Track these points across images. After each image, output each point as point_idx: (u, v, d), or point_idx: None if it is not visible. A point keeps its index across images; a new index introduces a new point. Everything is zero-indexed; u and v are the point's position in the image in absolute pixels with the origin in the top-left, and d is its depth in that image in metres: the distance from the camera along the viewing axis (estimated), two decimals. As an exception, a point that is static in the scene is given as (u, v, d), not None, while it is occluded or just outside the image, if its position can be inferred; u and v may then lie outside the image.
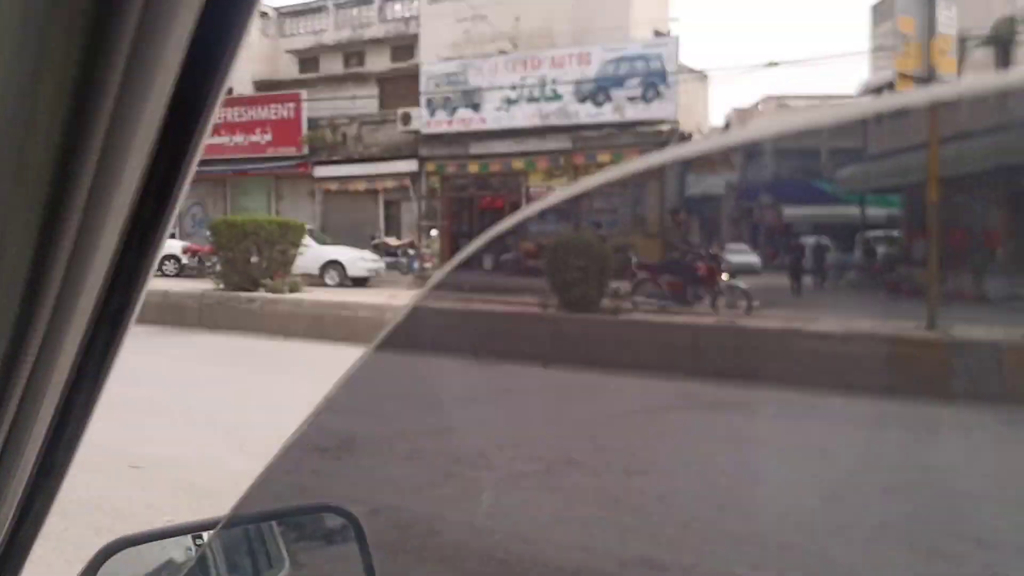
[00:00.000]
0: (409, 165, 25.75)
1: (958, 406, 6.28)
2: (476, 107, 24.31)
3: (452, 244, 26.04)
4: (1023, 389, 6.52)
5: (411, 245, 23.72)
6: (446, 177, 25.86)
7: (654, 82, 21.62)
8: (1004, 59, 21.60)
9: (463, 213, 26.98)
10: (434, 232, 24.89)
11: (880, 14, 21.06)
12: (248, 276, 15.10)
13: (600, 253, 8.74)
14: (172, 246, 22.02)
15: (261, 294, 14.39)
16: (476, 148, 24.54)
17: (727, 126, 54.69)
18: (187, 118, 0.52)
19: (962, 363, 6.86)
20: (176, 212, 0.59)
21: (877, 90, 25.29)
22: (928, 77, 7.44)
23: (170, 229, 0.61)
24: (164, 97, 0.50)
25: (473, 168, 24.91)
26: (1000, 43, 21.49)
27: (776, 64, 18.29)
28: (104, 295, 0.60)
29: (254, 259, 15.21)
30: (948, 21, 7.71)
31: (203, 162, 0.60)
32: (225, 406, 7.84)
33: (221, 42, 0.49)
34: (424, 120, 25.10)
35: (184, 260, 21.45)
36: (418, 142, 25.60)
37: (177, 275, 20.78)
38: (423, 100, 25.09)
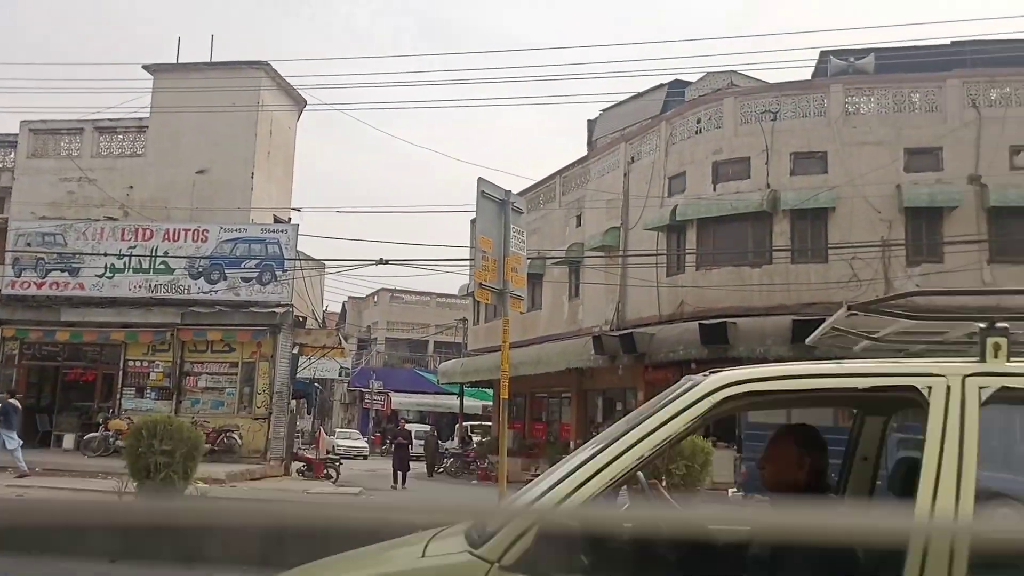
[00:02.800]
0: (-18, 328, 22.64)
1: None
2: (74, 272, 22.45)
3: (27, 420, 22.90)
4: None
5: (-29, 420, 20.36)
6: (28, 344, 23.08)
7: (271, 265, 21.89)
8: (576, 275, 25.50)
9: (45, 385, 24.09)
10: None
11: (475, 229, 23.83)
12: None
13: (190, 437, 8.36)
14: None
15: None
16: (69, 315, 22.40)
17: (344, 313, 56.12)
18: None
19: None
20: None
21: (470, 295, 28.13)
22: (502, 289, 8.58)
23: None
24: None
25: (63, 336, 22.59)
26: (571, 263, 25.46)
27: (387, 262, 19.66)
28: None
29: None
30: (519, 243, 9.06)
31: None
32: None
33: None
34: (7, 280, 22.49)
35: None
36: (-3, 303, 22.72)
37: None
38: (8, 258, 22.58)
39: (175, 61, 24.52)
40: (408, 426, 42.25)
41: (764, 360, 18.36)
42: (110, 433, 20.53)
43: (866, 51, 21.72)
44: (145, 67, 24.21)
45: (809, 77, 22.31)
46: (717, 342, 18.19)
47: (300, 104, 26.23)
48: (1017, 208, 18.21)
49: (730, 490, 15.49)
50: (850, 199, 18.91)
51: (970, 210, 18.44)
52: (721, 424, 18.92)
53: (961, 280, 18.14)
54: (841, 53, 22.08)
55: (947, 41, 21.75)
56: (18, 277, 22.58)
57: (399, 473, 21.54)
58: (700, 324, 18.54)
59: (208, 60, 24.30)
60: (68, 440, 22.14)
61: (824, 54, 22.60)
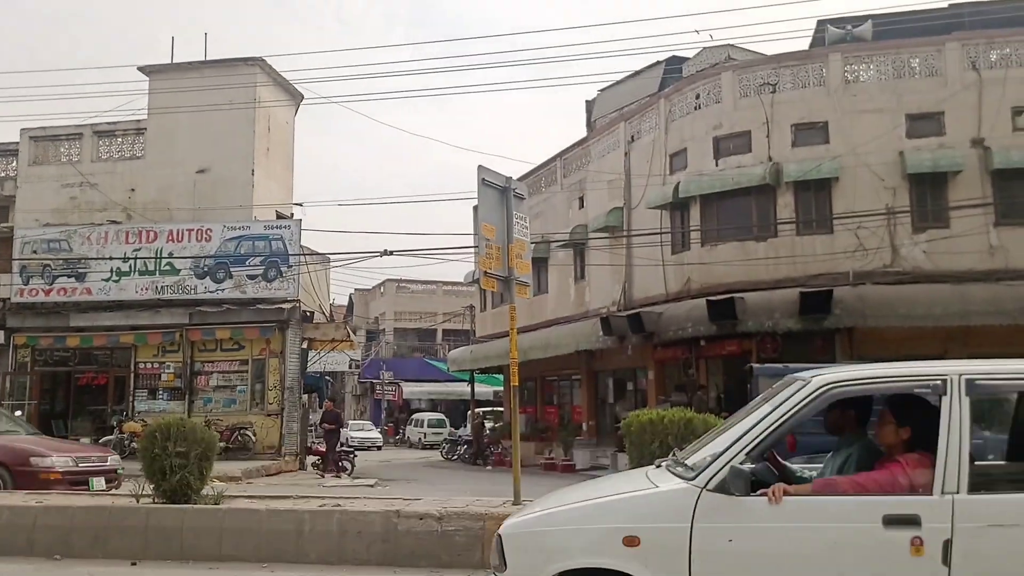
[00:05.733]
0: (-8, 336, 22.76)
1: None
2: (80, 277, 22.53)
3: (42, 426, 23.07)
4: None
5: (-12, 428, 20.50)
6: (39, 350, 23.21)
7: (276, 262, 21.91)
8: (580, 257, 25.45)
9: (58, 390, 24.24)
10: (18, 413, 21.84)
11: (478, 216, 23.89)
12: None
13: (204, 437, 8.37)
14: None
15: None
16: (78, 320, 22.53)
17: (351, 305, 56.26)
18: None
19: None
20: None
21: (476, 282, 28.06)
22: (507, 277, 8.57)
23: None
24: None
25: (73, 342, 22.72)
26: (575, 245, 25.39)
27: (391, 253, 19.68)
28: None
29: None
30: (523, 230, 9.03)
31: None
32: None
33: None
34: (15, 288, 22.59)
35: None
36: (6, 312, 22.84)
37: None
38: (16, 266, 22.67)
39: (170, 61, 24.46)
40: (421, 414, 42.45)
41: (772, 334, 18.34)
42: (125, 436, 20.67)
43: (863, 18, 21.54)
44: (140, 68, 24.17)
45: (807, 47, 22.15)
46: (725, 318, 18.14)
47: (297, 98, 26.17)
48: (1021, 169, 18.06)
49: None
50: (853, 168, 18.79)
51: (974, 174, 18.31)
52: (732, 400, 18.94)
53: (968, 244, 18.06)
54: (838, 21, 21.90)
55: (945, 4, 21.58)
56: (26, 285, 22.69)
57: (334, 460, 20.36)
58: (708, 300, 18.49)
59: (203, 59, 24.24)
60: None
61: (821, 23, 22.42)
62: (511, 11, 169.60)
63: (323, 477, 19.28)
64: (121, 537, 7.07)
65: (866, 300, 17.53)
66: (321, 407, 37.67)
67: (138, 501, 7.51)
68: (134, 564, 6.72)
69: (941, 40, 19.21)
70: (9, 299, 22.80)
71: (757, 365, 15.99)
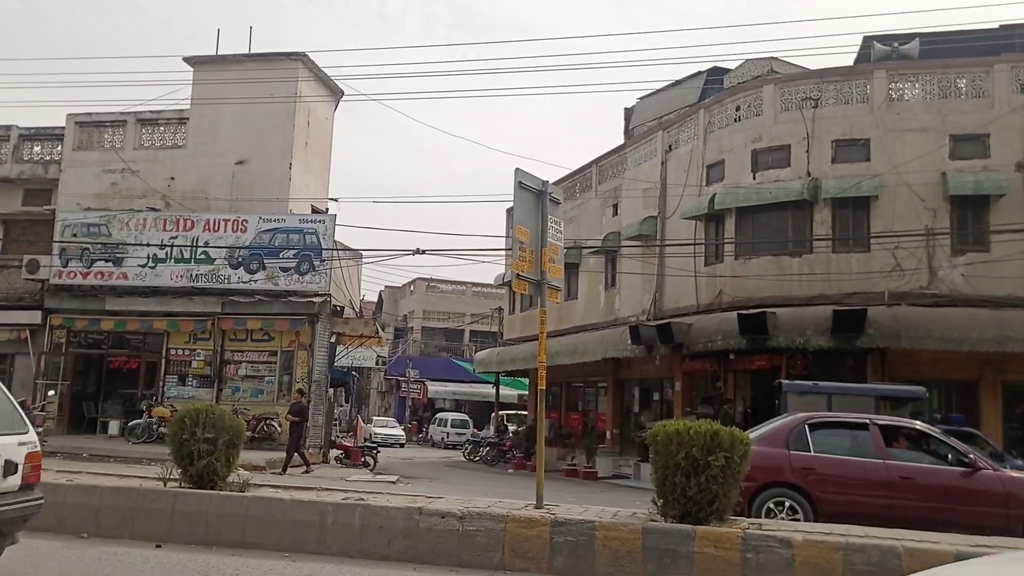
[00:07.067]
0: (31, 316, 23.17)
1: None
2: (118, 261, 22.88)
3: (74, 406, 23.49)
4: (610, 567, 7.24)
5: (22, 406, 20.89)
6: (74, 332, 23.61)
7: (309, 255, 22.09)
8: (612, 264, 25.36)
9: (91, 372, 24.64)
10: (51, 392, 22.27)
11: (511, 219, 23.75)
12: None
13: (232, 425, 8.44)
14: None
15: None
16: (113, 304, 22.89)
17: (380, 302, 56.53)
18: None
19: (562, 540, 7.55)
20: None
21: (506, 284, 28.11)
22: (539, 280, 8.56)
23: None
24: None
25: (107, 325, 23.09)
26: (607, 252, 25.31)
27: (423, 252, 19.76)
28: None
29: None
30: (557, 234, 9.03)
31: None
32: None
33: None
34: (55, 270, 23.00)
35: None
36: (44, 292, 23.26)
37: None
38: (56, 248, 23.09)
39: (214, 53, 24.77)
40: (445, 414, 42.56)
41: (803, 351, 18.14)
42: (153, 420, 20.98)
43: (911, 36, 21.26)
44: (186, 59, 24.51)
45: (852, 63, 21.90)
46: (756, 332, 17.98)
47: (337, 95, 26.37)
48: (1067, 195, 17.75)
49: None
50: (893, 187, 18.55)
51: (1018, 198, 17.98)
52: (760, 415, 18.75)
53: (1008, 269, 17.73)
54: (885, 38, 21.63)
55: (995, 25, 21.22)
56: (65, 267, 23.08)
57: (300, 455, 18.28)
58: (739, 314, 18.34)
59: (247, 52, 24.52)
60: (113, 427, 22.66)
61: (867, 39, 22.16)
62: (551, 17, 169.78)
63: (308, 468, 18.10)
64: (148, 519, 7.17)
65: (901, 321, 17.28)
66: (347, 402, 37.98)
67: (165, 485, 7.61)
68: (159, 547, 6.81)
69: (990, 61, 18.91)
70: (48, 280, 23.21)
71: (786, 381, 15.85)
